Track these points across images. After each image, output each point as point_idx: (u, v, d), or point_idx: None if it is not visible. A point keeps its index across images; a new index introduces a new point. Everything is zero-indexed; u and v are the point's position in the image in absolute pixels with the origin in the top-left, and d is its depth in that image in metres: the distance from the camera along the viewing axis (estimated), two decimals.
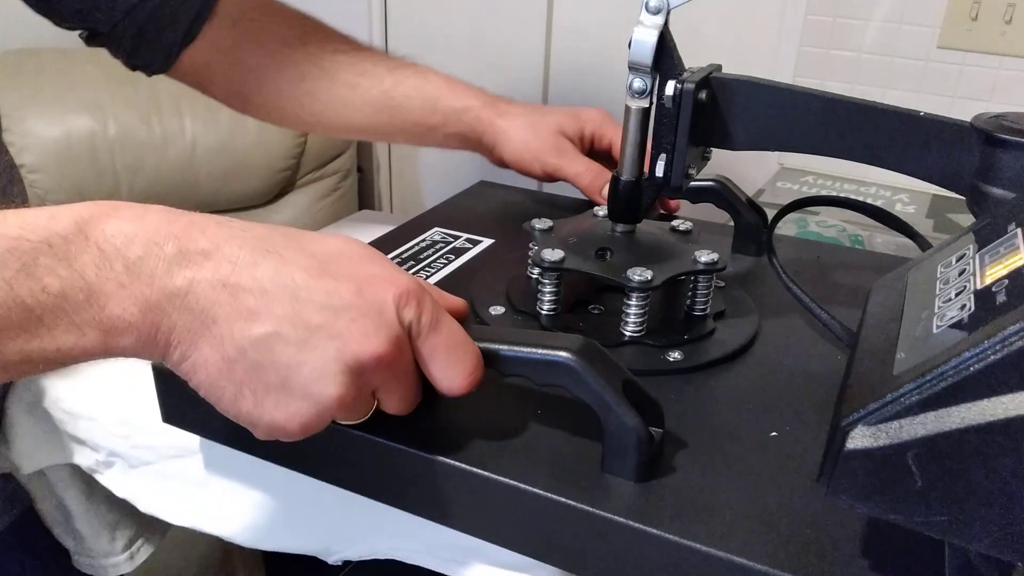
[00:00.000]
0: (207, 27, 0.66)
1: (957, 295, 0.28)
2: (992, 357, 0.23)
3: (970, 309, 0.26)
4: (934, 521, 0.25)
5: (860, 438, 0.25)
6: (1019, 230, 0.30)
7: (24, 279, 0.30)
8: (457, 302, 0.41)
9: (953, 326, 0.26)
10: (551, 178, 0.70)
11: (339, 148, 1.56)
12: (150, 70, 0.69)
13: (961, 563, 0.30)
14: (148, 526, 0.66)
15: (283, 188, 1.54)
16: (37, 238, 0.31)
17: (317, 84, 0.69)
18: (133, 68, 0.69)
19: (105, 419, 0.54)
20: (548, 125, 0.70)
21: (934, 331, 0.27)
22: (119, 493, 0.55)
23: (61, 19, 0.64)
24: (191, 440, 0.50)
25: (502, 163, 0.72)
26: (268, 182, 1.48)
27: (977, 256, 0.31)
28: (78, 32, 0.67)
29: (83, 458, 0.57)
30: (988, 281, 0.28)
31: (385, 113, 0.71)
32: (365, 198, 1.71)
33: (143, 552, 0.65)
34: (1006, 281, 0.27)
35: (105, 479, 0.56)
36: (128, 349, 0.33)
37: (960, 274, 0.30)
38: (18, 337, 0.30)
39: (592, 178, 0.68)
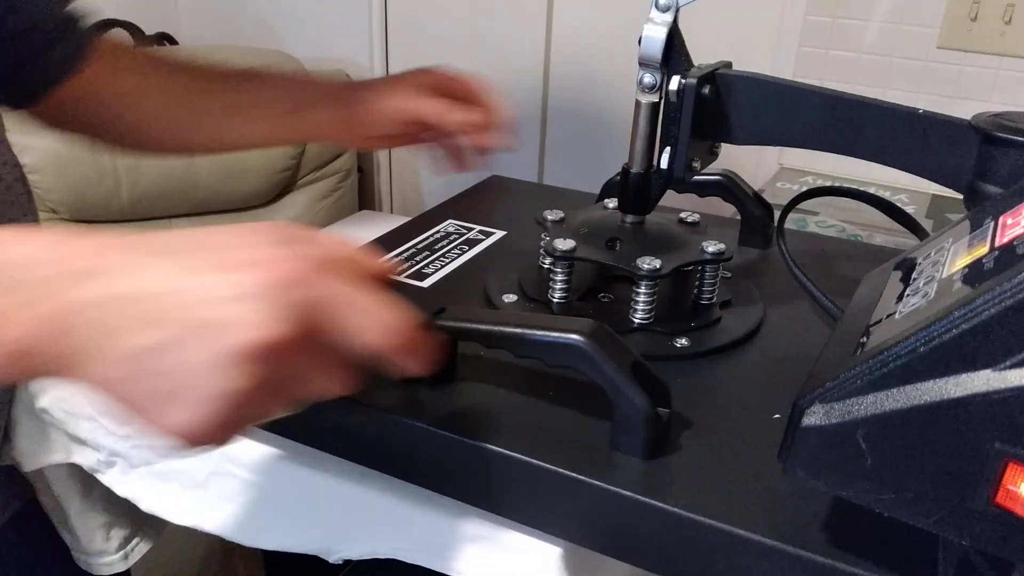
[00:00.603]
0: (76, 71, 0.69)
1: (925, 284, 0.33)
2: (935, 341, 0.27)
3: (930, 297, 0.31)
4: (883, 498, 0.29)
5: (815, 415, 0.29)
6: (992, 223, 0.35)
7: None
8: (369, 263, 0.40)
9: (911, 312, 0.30)
10: (411, 125, 0.72)
11: (339, 149, 1.62)
12: (13, 106, 0.71)
13: (959, 561, 0.34)
14: (143, 526, 0.69)
15: (283, 188, 1.60)
16: None
17: (184, 106, 0.74)
18: None
19: (106, 419, 0.57)
20: (407, 82, 0.72)
21: (896, 317, 0.31)
22: (120, 492, 0.59)
23: None
24: None
25: (353, 134, 0.75)
26: (268, 182, 1.54)
27: (952, 248, 0.35)
28: None
29: (84, 458, 0.60)
30: (952, 270, 0.32)
31: (238, 118, 0.75)
32: (365, 198, 1.77)
33: (137, 551, 0.69)
34: (966, 270, 0.31)
35: (106, 478, 0.59)
36: (31, 373, 0.35)
37: (933, 265, 0.34)
38: None
39: (441, 112, 0.70)
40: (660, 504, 0.38)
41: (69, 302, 0.34)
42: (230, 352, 0.33)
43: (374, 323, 0.36)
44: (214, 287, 0.34)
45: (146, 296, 0.34)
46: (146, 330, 0.34)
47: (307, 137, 0.77)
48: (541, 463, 0.41)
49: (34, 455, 0.63)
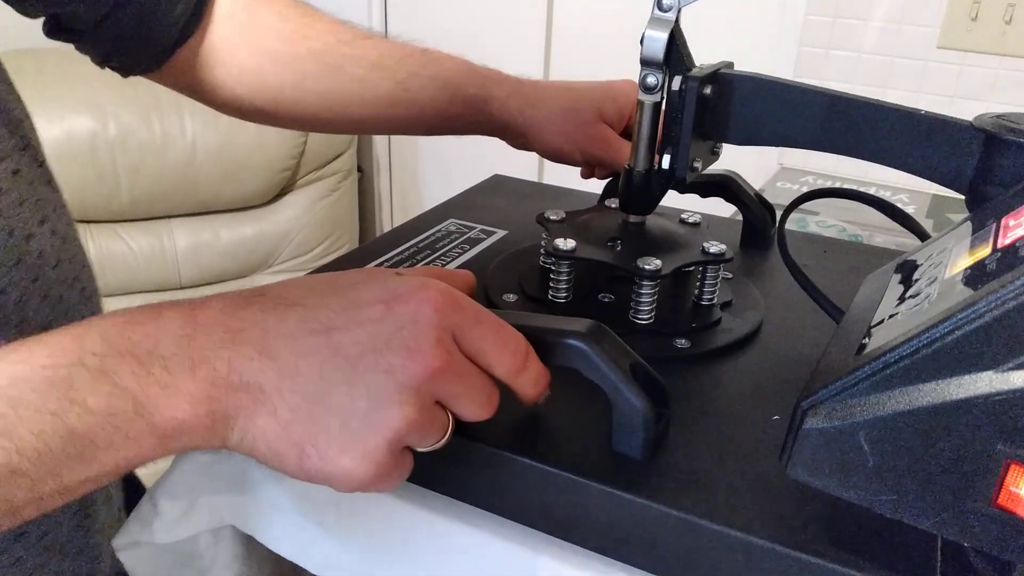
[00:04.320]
0: (200, 25, 0.65)
1: (927, 285, 0.33)
2: (938, 342, 0.27)
3: (932, 298, 0.31)
4: (884, 500, 0.29)
5: (817, 417, 0.29)
6: (994, 224, 0.35)
7: (69, 405, 0.32)
8: (466, 277, 0.44)
9: (913, 314, 0.30)
10: (594, 166, 0.72)
11: (339, 148, 1.62)
12: (132, 71, 0.67)
13: (958, 561, 0.34)
14: None
15: (283, 188, 1.60)
16: (69, 361, 0.33)
17: (321, 82, 0.68)
18: (103, 66, 0.66)
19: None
20: (587, 112, 0.70)
21: (898, 318, 0.31)
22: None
23: (26, 5, 0.60)
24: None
25: (530, 149, 0.73)
26: (268, 182, 1.54)
27: (954, 249, 0.35)
28: (42, 22, 0.63)
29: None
30: (955, 272, 0.32)
31: (400, 107, 0.70)
32: (365, 198, 1.78)
33: None
34: (968, 271, 0.31)
35: None
36: (188, 445, 0.35)
37: (935, 266, 0.35)
38: (77, 466, 0.32)
39: (614, 158, 0.69)
40: (657, 505, 0.38)
41: (215, 370, 0.35)
42: (398, 382, 0.35)
43: (504, 344, 0.38)
44: (366, 323, 0.36)
45: (300, 343, 0.35)
46: (307, 375, 0.35)
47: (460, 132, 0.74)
48: (539, 464, 0.41)
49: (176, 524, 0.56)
